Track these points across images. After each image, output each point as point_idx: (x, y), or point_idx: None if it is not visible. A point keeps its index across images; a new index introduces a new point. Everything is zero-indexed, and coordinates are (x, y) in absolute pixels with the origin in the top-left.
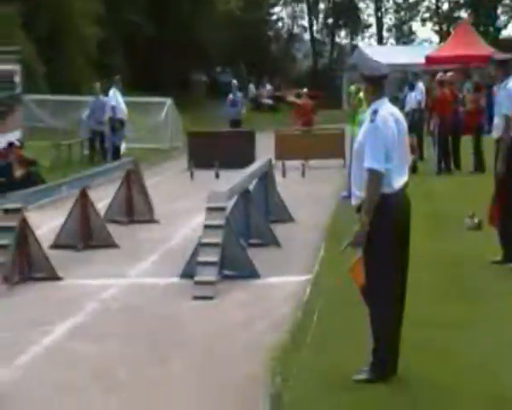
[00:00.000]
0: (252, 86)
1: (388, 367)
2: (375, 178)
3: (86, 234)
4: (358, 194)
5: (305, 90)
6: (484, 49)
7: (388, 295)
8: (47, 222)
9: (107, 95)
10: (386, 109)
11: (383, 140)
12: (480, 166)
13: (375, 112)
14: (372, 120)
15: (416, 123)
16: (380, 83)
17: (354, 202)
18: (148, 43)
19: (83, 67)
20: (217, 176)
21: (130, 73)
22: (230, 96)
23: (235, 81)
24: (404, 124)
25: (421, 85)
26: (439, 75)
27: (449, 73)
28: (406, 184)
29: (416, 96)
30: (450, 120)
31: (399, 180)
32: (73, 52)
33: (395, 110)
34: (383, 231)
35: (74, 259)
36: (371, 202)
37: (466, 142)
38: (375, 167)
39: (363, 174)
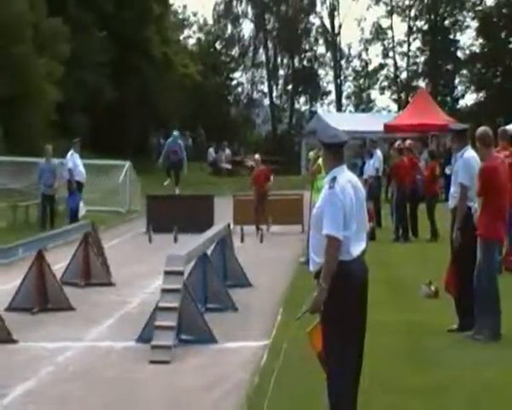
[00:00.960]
0: (211, 150)
1: None
2: (334, 244)
3: (42, 297)
4: (317, 260)
5: (256, 156)
6: (441, 118)
7: (345, 361)
8: (2, 284)
9: (65, 157)
10: (345, 177)
11: (341, 207)
12: (433, 233)
13: (333, 179)
14: (331, 187)
15: (373, 190)
16: (339, 150)
17: (312, 268)
18: (109, 106)
19: (42, 129)
20: (175, 240)
21: (91, 134)
22: (169, 140)
23: (176, 132)
24: (363, 191)
25: (379, 153)
26: (398, 143)
27: (408, 141)
28: (364, 251)
29: (375, 163)
30: (409, 188)
31: (357, 247)
32: (32, 113)
33: (353, 177)
34: (341, 298)
35: (30, 322)
36: (330, 268)
37: (424, 209)
38: (334, 234)
39: (321, 241)
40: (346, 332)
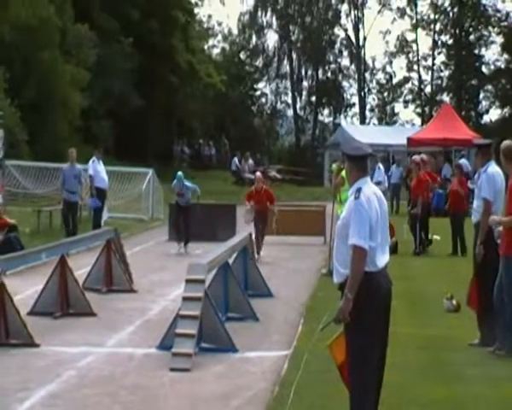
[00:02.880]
0: (235, 159)
1: None
2: (360, 254)
3: (64, 302)
4: (342, 271)
5: (258, 174)
6: (465, 132)
7: (367, 372)
8: (25, 288)
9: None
10: (370, 188)
11: (367, 217)
12: (459, 248)
13: (358, 190)
14: (356, 198)
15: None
16: (363, 162)
17: (336, 280)
18: (133, 113)
19: (66, 134)
20: (197, 248)
21: (115, 141)
22: (175, 183)
23: (180, 174)
24: (386, 205)
25: (381, 167)
26: (414, 157)
27: (422, 155)
28: (387, 264)
29: (378, 177)
30: (430, 202)
31: (382, 259)
32: (57, 118)
33: (377, 190)
34: (366, 309)
35: (52, 326)
36: (355, 279)
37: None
38: (361, 244)
39: (346, 251)
40: (369, 343)
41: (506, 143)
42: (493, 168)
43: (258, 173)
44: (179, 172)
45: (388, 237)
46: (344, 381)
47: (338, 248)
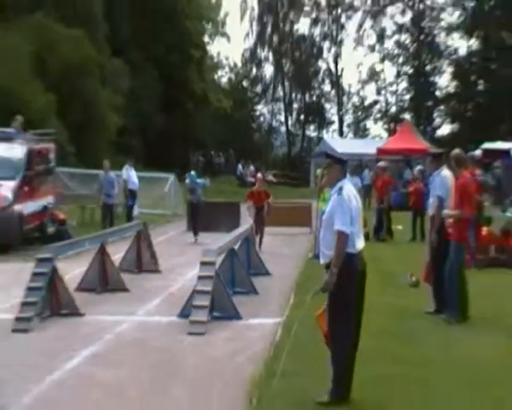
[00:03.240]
0: (240, 166)
1: (344, 392)
2: (343, 237)
3: (104, 280)
4: (327, 253)
5: (259, 175)
6: (422, 144)
7: (347, 333)
8: (73, 269)
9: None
10: (348, 187)
11: (348, 209)
12: (415, 236)
13: (341, 188)
14: (339, 194)
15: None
16: (344, 166)
17: (323, 260)
18: (159, 131)
19: (104, 147)
20: (208, 237)
21: (144, 153)
22: (187, 181)
23: (193, 173)
24: (360, 201)
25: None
26: (379, 164)
27: (381, 163)
28: (363, 248)
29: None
30: (387, 199)
31: (360, 243)
32: (97, 135)
33: (353, 188)
34: (347, 283)
35: (94, 299)
36: (339, 256)
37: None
38: (344, 229)
39: (331, 237)
40: (348, 310)
41: (454, 152)
42: (445, 172)
43: (259, 175)
44: (192, 172)
45: (362, 226)
46: (327, 345)
47: (324, 235)
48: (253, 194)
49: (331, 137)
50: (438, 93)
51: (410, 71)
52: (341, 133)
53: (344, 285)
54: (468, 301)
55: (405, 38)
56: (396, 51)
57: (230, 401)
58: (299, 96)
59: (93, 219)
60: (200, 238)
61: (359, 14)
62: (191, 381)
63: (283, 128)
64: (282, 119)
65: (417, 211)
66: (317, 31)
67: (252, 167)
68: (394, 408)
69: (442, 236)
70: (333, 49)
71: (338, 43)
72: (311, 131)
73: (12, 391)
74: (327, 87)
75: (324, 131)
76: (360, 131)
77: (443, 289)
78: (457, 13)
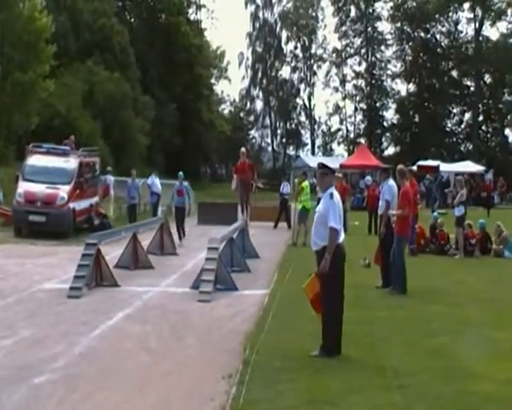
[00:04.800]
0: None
1: (335, 347)
2: (335, 232)
3: (135, 260)
4: (319, 242)
5: (242, 149)
6: (374, 161)
7: (338, 301)
8: (112, 252)
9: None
10: (336, 192)
11: (338, 210)
12: (370, 230)
13: (331, 194)
14: (331, 198)
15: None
16: (333, 175)
17: (315, 248)
18: (176, 149)
19: (136, 161)
20: (212, 229)
21: (165, 166)
22: (177, 183)
23: (181, 173)
24: (341, 203)
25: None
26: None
27: (337, 173)
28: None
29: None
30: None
31: (343, 236)
32: (131, 152)
33: (337, 194)
34: (337, 266)
35: (128, 274)
36: (332, 247)
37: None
38: (335, 227)
39: (324, 231)
40: (338, 286)
41: (398, 167)
42: (391, 182)
43: (242, 149)
44: (180, 172)
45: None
46: (314, 309)
47: (317, 229)
48: (237, 168)
49: (306, 155)
50: (385, 124)
51: (365, 107)
52: (313, 152)
53: (334, 267)
54: (406, 279)
55: (361, 82)
56: (354, 92)
57: (229, 349)
58: (281, 124)
59: (127, 215)
60: (208, 229)
61: (327, 64)
62: (200, 335)
63: (270, 148)
64: (269, 141)
65: (372, 211)
66: (295, 76)
67: None
68: (351, 352)
69: (388, 229)
70: (307, 90)
71: (311, 85)
72: (291, 151)
73: (67, 342)
74: (303, 118)
75: (301, 151)
76: (327, 151)
77: (389, 269)
78: (399, 64)
